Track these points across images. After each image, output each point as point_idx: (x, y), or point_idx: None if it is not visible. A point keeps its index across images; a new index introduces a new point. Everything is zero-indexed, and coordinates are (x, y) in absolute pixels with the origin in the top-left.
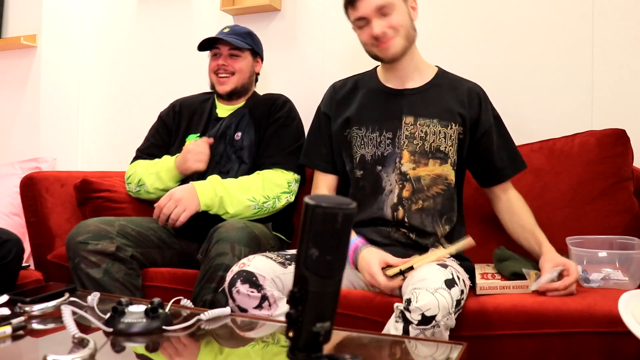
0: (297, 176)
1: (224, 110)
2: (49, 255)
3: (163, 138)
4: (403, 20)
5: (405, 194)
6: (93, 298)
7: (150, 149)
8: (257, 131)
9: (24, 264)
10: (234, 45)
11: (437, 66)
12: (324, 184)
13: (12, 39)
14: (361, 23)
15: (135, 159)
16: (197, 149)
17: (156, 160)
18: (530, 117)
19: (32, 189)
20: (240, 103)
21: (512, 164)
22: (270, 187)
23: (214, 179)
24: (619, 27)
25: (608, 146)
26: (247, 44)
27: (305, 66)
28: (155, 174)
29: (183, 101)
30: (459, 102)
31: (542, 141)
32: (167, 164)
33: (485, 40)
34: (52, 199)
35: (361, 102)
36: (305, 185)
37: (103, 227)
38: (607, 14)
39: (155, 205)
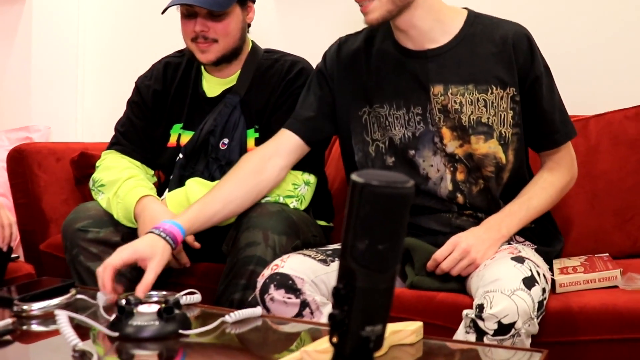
0: (308, 177)
1: (213, 85)
2: (41, 245)
3: (145, 114)
4: None
5: (460, 176)
6: (101, 297)
7: (131, 133)
8: (255, 123)
9: (12, 255)
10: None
11: (465, 8)
12: (279, 141)
13: None
14: None
15: (112, 143)
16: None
17: (127, 184)
18: (618, 78)
19: (21, 164)
20: (233, 74)
21: (564, 128)
22: None
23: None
24: None
25: None
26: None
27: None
28: (123, 208)
29: (164, 70)
30: (499, 55)
31: (638, 106)
32: (130, 203)
33: None
34: (46, 176)
35: (377, 70)
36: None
37: (106, 212)
38: None
39: None
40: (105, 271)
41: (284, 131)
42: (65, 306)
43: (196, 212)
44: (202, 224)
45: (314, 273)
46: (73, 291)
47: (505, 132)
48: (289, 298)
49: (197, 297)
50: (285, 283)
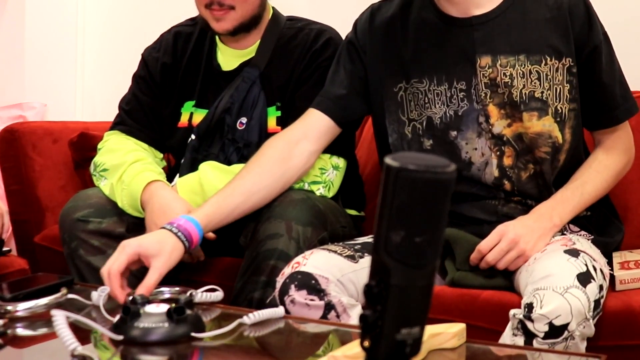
0: (337, 160)
1: (229, 58)
2: (36, 237)
3: (152, 90)
4: None
5: (508, 161)
6: (100, 294)
7: (137, 112)
8: (277, 99)
9: (3, 248)
10: None
11: None
12: (308, 122)
13: None
14: None
15: (115, 123)
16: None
17: (133, 168)
18: None
19: (13, 146)
20: (252, 45)
21: (626, 103)
22: None
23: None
24: None
25: None
26: None
27: None
28: (129, 195)
29: (174, 41)
30: (554, 21)
31: None
32: (137, 190)
33: None
34: (41, 159)
35: (415, 40)
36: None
37: (109, 200)
38: None
39: None
40: (110, 280)
41: (312, 111)
42: (58, 306)
43: (214, 206)
44: (221, 220)
45: (340, 271)
46: (64, 290)
47: (561, 107)
48: (311, 300)
49: (218, 295)
50: (308, 283)
